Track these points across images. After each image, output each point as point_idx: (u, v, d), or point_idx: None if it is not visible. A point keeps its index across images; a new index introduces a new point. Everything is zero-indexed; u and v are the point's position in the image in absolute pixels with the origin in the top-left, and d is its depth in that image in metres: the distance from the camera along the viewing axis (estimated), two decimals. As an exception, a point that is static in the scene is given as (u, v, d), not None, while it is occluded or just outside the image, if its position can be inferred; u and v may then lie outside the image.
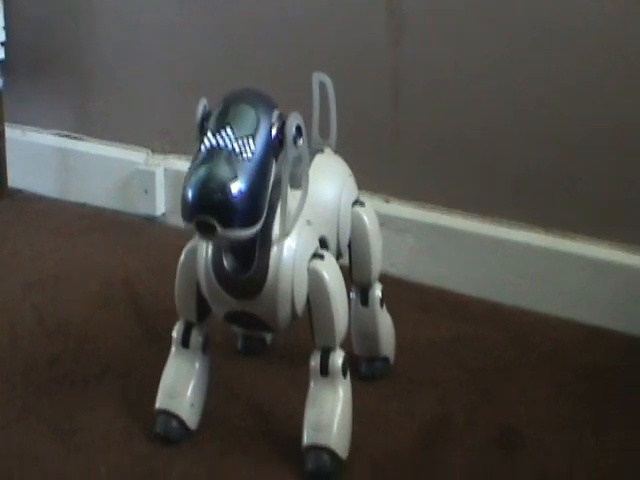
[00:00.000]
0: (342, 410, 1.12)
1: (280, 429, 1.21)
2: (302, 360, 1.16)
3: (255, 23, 1.71)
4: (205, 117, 1.03)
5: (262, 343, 1.39)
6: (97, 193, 1.94)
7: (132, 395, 1.28)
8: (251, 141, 1.01)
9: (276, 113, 1.04)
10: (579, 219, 1.51)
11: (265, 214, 1.02)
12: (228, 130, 1.01)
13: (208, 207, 0.98)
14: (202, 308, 1.16)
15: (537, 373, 1.36)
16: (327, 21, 1.64)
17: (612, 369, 1.38)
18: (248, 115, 1.03)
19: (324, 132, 1.25)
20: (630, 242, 1.48)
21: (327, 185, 1.19)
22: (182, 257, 1.15)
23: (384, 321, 1.31)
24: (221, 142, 1.00)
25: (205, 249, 1.10)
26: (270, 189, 1.03)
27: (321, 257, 1.11)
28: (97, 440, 1.19)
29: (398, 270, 1.59)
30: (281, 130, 1.03)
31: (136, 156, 1.90)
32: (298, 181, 1.08)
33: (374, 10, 1.58)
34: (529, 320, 1.51)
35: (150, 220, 1.88)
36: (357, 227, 1.24)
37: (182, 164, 1.84)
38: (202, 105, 1.04)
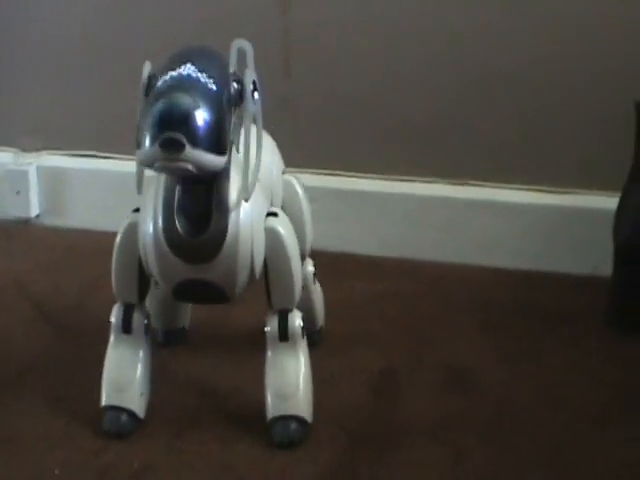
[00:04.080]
0: (305, 374, 1.10)
1: (229, 403, 1.19)
2: (225, 340, 1.14)
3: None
4: (151, 79, 0.99)
5: (182, 332, 1.34)
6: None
7: (58, 393, 1.22)
8: (212, 79, 0.98)
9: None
10: (475, 165, 1.56)
11: (228, 156, 0.99)
12: (189, 65, 0.97)
13: (177, 123, 0.94)
14: (143, 287, 1.12)
15: (460, 315, 1.40)
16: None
17: (531, 304, 1.44)
18: (209, 57, 1.01)
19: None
20: (531, 183, 1.54)
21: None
22: (120, 235, 1.10)
23: (317, 295, 1.30)
24: (184, 72, 0.97)
25: (153, 216, 1.04)
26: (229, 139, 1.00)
27: (275, 215, 1.09)
28: (40, 443, 1.12)
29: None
30: (239, 83, 1.01)
31: (3, 156, 1.81)
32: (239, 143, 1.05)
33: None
34: (440, 270, 1.55)
35: (24, 222, 1.80)
36: (290, 196, 1.21)
37: (57, 159, 1.78)
38: (147, 68, 1.00)
